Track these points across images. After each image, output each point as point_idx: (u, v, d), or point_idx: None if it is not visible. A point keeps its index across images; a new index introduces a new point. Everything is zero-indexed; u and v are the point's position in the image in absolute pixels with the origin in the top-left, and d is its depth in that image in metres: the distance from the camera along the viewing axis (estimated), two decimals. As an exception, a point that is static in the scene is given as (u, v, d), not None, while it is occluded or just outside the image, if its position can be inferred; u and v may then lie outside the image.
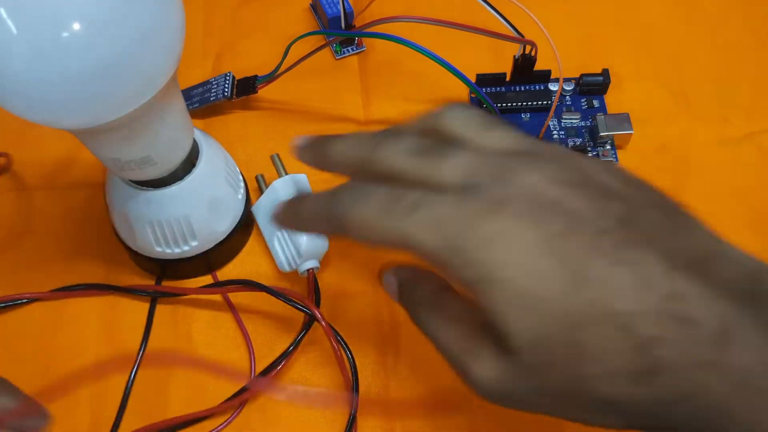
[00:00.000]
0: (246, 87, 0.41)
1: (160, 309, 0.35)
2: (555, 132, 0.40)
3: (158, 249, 0.33)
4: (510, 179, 0.20)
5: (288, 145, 0.41)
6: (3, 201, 0.39)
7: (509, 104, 0.40)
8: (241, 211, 0.36)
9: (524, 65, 0.40)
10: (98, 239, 0.37)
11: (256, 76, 0.41)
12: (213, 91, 0.41)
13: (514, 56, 0.39)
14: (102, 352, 0.34)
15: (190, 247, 0.34)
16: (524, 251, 0.19)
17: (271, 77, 0.40)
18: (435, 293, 0.24)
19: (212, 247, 0.35)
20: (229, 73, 0.41)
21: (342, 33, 0.43)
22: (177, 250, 0.34)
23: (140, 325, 0.35)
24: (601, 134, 0.38)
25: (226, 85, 0.40)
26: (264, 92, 0.41)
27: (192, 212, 0.32)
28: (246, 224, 0.36)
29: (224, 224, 0.35)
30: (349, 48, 0.44)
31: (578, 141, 0.39)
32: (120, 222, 0.34)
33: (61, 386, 0.32)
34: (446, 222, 0.19)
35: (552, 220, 0.19)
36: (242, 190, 0.36)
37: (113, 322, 0.35)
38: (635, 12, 0.45)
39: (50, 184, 0.40)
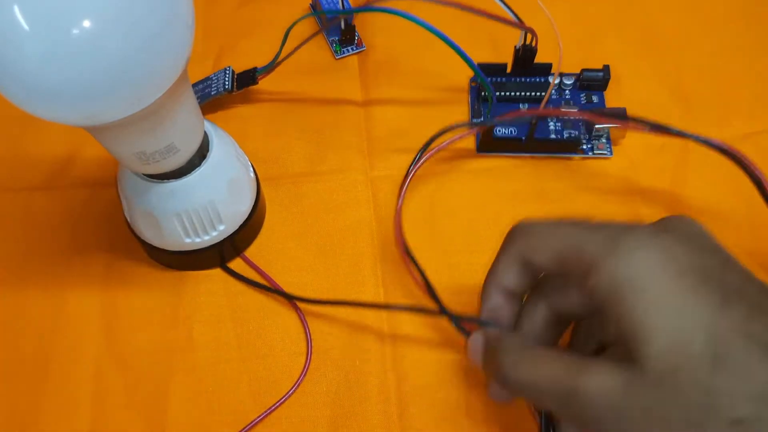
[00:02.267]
0: (246, 79, 0.41)
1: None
2: (551, 123, 0.39)
3: (187, 240, 0.33)
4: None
5: (290, 143, 0.41)
6: (3, 201, 0.39)
7: (509, 93, 0.40)
8: (256, 189, 0.36)
9: (525, 56, 0.39)
10: (98, 239, 0.37)
11: (255, 68, 0.41)
12: (213, 86, 0.41)
13: (515, 47, 0.39)
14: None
15: (218, 232, 0.34)
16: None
17: (271, 66, 0.40)
18: (522, 344, 0.26)
19: (236, 230, 0.35)
20: (229, 67, 0.41)
21: (340, 12, 0.42)
22: (206, 238, 0.34)
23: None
24: (597, 127, 0.38)
25: (226, 79, 0.41)
26: (264, 92, 0.41)
27: (215, 196, 0.33)
28: (261, 204, 0.37)
29: (245, 203, 0.35)
30: (349, 48, 0.44)
31: (574, 133, 0.39)
32: (142, 220, 0.33)
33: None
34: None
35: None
36: (251, 169, 0.36)
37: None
38: (637, 10, 0.45)
39: (50, 185, 0.40)
